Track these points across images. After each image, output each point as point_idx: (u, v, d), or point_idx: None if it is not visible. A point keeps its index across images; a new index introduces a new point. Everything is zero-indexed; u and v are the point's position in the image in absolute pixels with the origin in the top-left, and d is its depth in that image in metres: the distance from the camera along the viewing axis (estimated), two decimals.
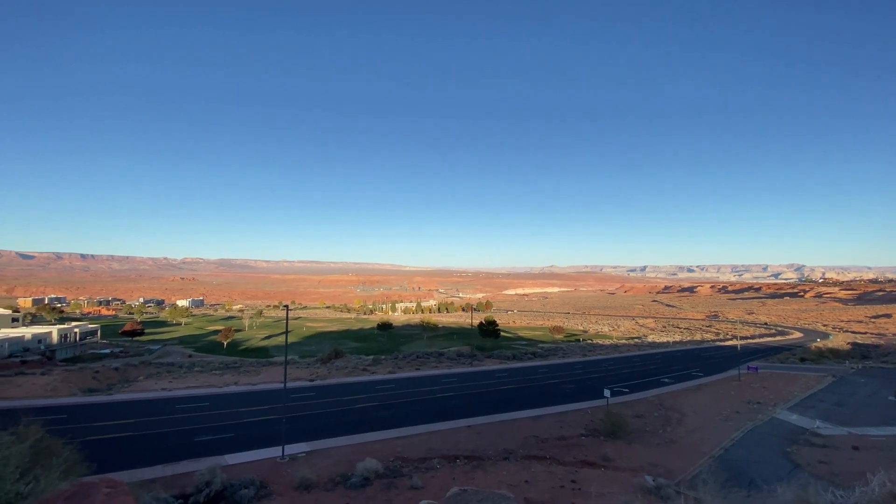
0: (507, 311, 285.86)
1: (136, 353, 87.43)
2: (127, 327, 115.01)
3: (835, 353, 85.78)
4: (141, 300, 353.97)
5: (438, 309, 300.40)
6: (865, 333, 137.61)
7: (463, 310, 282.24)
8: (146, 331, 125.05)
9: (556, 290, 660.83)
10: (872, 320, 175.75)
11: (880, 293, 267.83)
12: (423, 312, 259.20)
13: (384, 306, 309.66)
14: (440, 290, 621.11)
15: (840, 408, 39.39)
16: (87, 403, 34.18)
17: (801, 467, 24.13)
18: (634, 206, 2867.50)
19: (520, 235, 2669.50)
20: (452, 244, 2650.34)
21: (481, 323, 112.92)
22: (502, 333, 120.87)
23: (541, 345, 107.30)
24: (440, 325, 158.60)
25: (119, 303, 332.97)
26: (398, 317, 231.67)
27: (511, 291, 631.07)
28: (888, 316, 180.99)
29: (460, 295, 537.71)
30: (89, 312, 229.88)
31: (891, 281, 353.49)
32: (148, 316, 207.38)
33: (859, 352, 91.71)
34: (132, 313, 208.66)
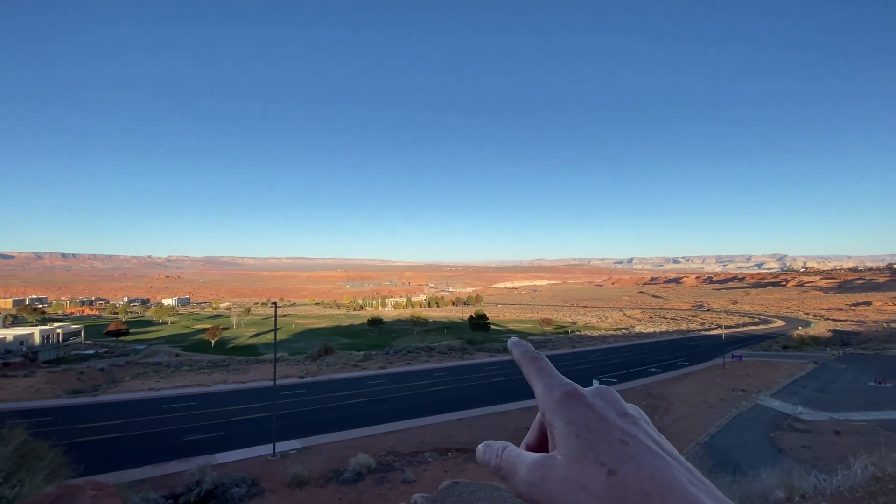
0: (497, 305, 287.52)
1: (121, 353, 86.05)
2: (111, 327, 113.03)
3: (816, 341, 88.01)
4: (125, 299, 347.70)
5: (429, 303, 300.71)
6: (846, 321, 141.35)
7: (453, 304, 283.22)
8: (131, 330, 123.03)
9: (544, 282, 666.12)
10: (852, 308, 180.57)
11: (860, 281, 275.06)
12: (413, 307, 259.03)
13: (374, 302, 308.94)
14: (430, 285, 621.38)
15: (822, 394, 40.45)
16: (72, 405, 33.61)
17: (784, 452, 24.77)
18: (621, 199, 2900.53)
19: (509, 229, 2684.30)
20: (442, 239, 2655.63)
21: (471, 317, 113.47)
22: (492, 327, 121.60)
23: (530, 337, 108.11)
24: (430, 320, 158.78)
25: (102, 302, 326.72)
26: (388, 312, 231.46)
27: (501, 285, 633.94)
28: (868, 303, 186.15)
29: (450, 289, 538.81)
30: (72, 313, 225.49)
31: (870, 269, 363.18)
32: (133, 315, 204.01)
33: (840, 339, 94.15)
34: (116, 313, 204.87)
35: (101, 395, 38.45)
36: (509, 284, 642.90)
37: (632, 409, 0.51)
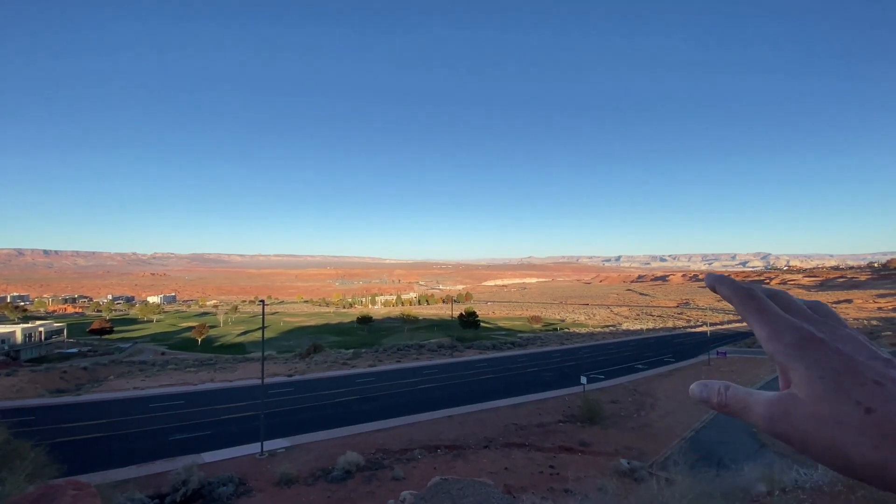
0: (487, 302, 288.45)
1: (105, 351, 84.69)
2: (95, 325, 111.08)
3: None
4: (109, 297, 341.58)
5: (419, 301, 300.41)
6: None
7: (443, 302, 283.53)
8: (115, 329, 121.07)
9: (534, 280, 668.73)
10: (834, 306, 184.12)
11: (841, 279, 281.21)
12: (403, 305, 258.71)
13: (364, 299, 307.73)
14: (420, 283, 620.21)
15: None
16: (55, 404, 33.01)
17: (766, 447, 25.26)
18: (610, 198, 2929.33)
19: (499, 227, 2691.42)
20: (432, 237, 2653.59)
21: (461, 314, 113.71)
22: (482, 324, 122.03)
23: (520, 334, 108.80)
24: (421, 318, 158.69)
25: (86, 300, 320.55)
26: (378, 310, 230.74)
27: (490, 283, 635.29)
28: (849, 301, 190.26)
29: (440, 287, 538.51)
30: (54, 311, 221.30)
31: (851, 268, 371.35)
32: (117, 313, 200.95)
33: None
34: (100, 311, 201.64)
35: (84, 394, 37.83)
36: (499, 282, 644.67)
37: (885, 353, 0.49)
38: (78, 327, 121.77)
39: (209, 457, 21.42)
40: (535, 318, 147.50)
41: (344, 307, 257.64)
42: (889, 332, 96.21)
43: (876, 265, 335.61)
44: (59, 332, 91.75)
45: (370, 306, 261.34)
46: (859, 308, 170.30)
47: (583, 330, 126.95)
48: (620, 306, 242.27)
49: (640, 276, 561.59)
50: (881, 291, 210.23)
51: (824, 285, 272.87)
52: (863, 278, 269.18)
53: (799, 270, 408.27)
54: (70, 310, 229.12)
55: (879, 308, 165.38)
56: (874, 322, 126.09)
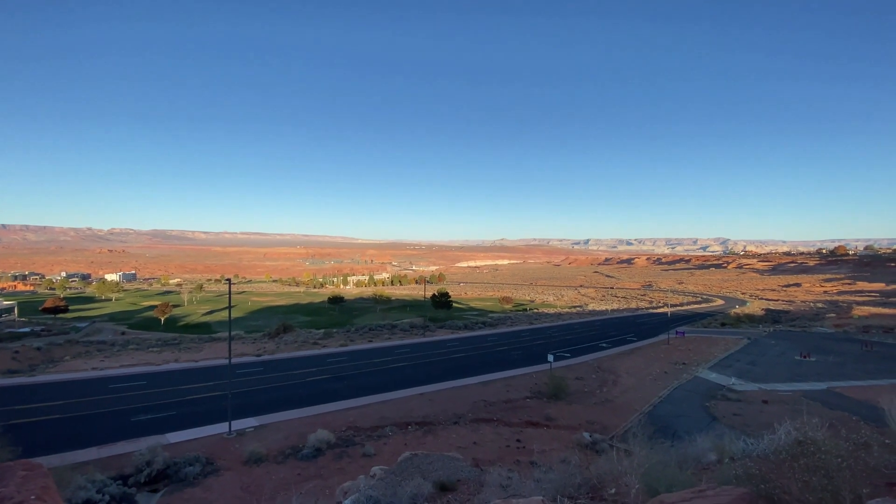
0: (460, 283, 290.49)
1: (60, 331, 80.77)
2: (48, 304, 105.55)
3: (750, 318, 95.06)
4: (63, 274, 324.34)
5: (392, 282, 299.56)
6: (777, 300, 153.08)
7: (416, 282, 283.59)
8: (71, 307, 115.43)
9: (506, 262, 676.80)
10: (784, 289, 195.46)
11: (792, 264, 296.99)
12: (375, 285, 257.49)
13: (335, 279, 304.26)
14: (393, 263, 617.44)
15: (753, 366, 44.01)
16: (7, 385, 31.50)
17: (718, 419, 26.92)
18: (580, 183, 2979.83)
19: (472, 209, 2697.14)
20: (406, 217, 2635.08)
21: (434, 295, 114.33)
22: (454, 304, 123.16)
23: (491, 315, 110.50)
24: (393, 298, 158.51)
25: (37, 277, 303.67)
26: (350, 290, 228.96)
27: (463, 264, 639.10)
28: (798, 285, 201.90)
29: (413, 268, 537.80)
30: (3, 288, 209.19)
31: (802, 254, 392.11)
32: (72, 291, 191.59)
33: (771, 317, 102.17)
34: (53, 288, 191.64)
35: (38, 374, 36.21)
36: (472, 263, 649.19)
37: None
38: (30, 306, 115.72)
39: (174, 437, 21.05)
40: (506, 299, 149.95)
41: (315, 287, 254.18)
42: (833, 314, 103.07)
43: (824, 252, 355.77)
44: (9, 310, 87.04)
45: (342, 286, 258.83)
46: (807, 291, 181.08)
47: (551, 310, 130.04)
48: (587, 288, 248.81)
49: (606, 259, 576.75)
50: (828, 276, 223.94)
51: (776, 269, 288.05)
52: (812, 263, 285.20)
53: (754, 255, 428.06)
54: (20, 287, 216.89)
55: (825, 292, 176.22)
56: (819, 305, 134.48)
